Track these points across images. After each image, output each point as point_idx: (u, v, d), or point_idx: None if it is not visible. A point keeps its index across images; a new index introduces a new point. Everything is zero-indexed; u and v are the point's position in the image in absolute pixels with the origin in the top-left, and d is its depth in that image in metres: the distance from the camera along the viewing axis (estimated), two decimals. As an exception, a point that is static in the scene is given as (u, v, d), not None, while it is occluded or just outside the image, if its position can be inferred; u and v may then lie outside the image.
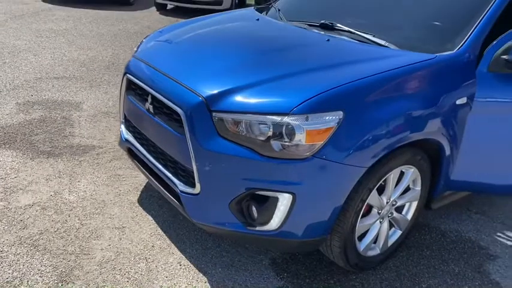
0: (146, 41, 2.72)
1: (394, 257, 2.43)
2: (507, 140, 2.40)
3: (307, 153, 1.81)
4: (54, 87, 4.36)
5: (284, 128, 1.81)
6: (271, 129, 1.82)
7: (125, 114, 2.54)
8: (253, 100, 1.90)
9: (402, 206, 2.35)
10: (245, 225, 1.97)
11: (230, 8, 8.99)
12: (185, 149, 1.95)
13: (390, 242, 2.35)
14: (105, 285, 2.03)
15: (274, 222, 1.93)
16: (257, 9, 3.15)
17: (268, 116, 1.83)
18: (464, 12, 2.39)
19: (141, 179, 2.90)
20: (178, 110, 1.95)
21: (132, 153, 2.51)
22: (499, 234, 2.77)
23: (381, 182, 2.06)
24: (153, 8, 9.43)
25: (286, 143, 1.81)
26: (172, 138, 2.04)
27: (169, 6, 9.57)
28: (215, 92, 1.92)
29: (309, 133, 1.80)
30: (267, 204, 1.91)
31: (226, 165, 1.90)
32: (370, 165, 1.91)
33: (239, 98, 1.91)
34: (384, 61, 2.10)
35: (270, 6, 3.19)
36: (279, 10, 2.96)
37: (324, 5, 2.93)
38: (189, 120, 1.92)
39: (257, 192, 1.90)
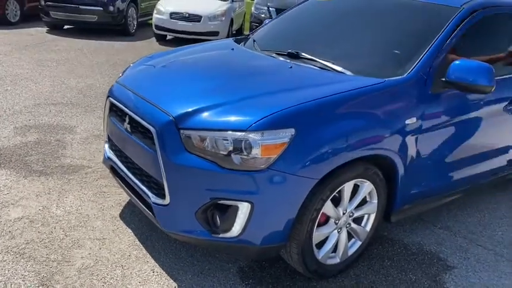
0: (132, 66, 3.00)
1: (355, 266, 2.60)
2: (451, 148, 2.71)
3: (263, 166, 2.03)
4: (51, 112, 4.64)
5: (243, 143, 2.03)
6: (232, 145, 2.04)
7: (108, 135, 2.78)
8: (217, 119, 2.13)
9: (361, 218, 2.54)
10: (210, 233, 2.17)
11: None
12: (156, 163, 2.17)
13: (350, 252, 2.53)
14: (81, 289, 2.22)
15: (236, 230, 2.12)
16: (235, 40, 3.44)
17: (229, 133, 2.06)
18: (413, 42, 2.66)
19: (124, 195, 3.11)
20: (151, 128, 2.18)
21: (114, 170, 2.73)
22: (459, 247, 2.94)
23: (335, 193, 2.26)
24: (153, 39, 9.86)
25: (245, 157, 2.03)
26: (146, 154, 2.26)
27: (168, 37, 10.00)
28: (183, 111, 2.16)
29: (264, 147, 2.02)
30: (229, 213, 2.11)
31: (192, 177, 2.11)
32: (321, 177, 2.12)
33: (205, 117, 2.14)
34: (336, 85, 2.34)
35: (248, 37, 3.48)
36: (254, 41, 3.25)
37: (294, 37, 3.21)
38: (159, 137, 2.15)
39: (220, 202, 2.10)
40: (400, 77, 2.44)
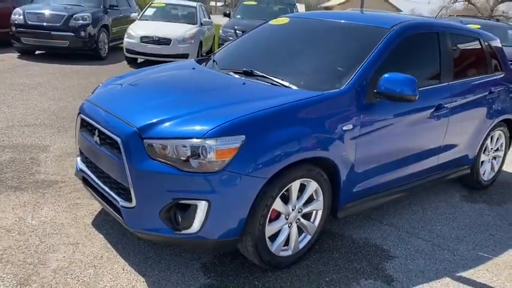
0: (101, 86, 3.29)
1: (306, 258, 2.90)
2: (387, 150, 3.10)
3: (218, 168, 2.33)
4: (25, 133, 4.84)
5: (200, 149, 2.34)
6: (190, 150, 2.35)
7: (79, 148, 3.04)
8: (176, 128, 2.43)
9: (310, 214, 2.86)
10: (173, 230, 2.45)
11: (195, 61, 9.72)
12: (123, 170, 2.45)
13: (301, 245, 2.84)
14: (57, 286, 2.44)
15: (195, 226, 2.41)
16: (197, 61, 3.77)
17: (187, 140, 2.36)
18: (350, 60, 3.07)
19: (96, 205, 3.35)
20: (117, 139, 2.47)
21: (85, 181, 2.98)
22: (401, 240, 3.29)
23: (283, 191, 2.58)
24: (125, 62, 10.12)
25: (202, 161, 2.34)
26: (114, 163, 2.54)
27: (139, 60, 10.28)
28: (146, 123, 2.46)
29: (218, 152, 2.33)
30: (189, 211, 2.40)
31: (156, 181, 2.40)
32: (269, 177, 2.43)
33: (165, 127, 2.44)
34: (282, 98, 2.69)
35: (210, 57, 3.83)
36: (214, 61, 3.59)
37: (249, 57, 3.59)
38: (125, 146, 2.43)
39: (181, 201, 2.39)
40: (338, 89, 2.81)
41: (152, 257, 2.80)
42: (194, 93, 2.88)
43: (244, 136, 2.37)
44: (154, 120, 2.48)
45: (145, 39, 9.47)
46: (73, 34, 9.41)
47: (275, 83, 2.96)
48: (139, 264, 2.71)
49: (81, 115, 2.91)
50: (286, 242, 2.76)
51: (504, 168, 5.02)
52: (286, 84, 2.93)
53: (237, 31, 9.65)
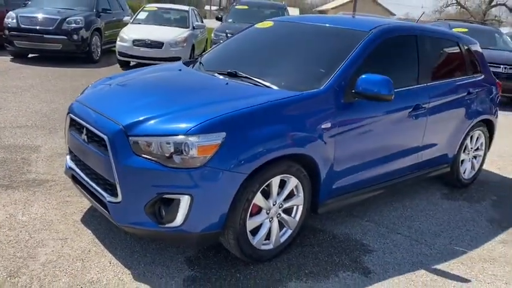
0: (91, 86, 3.40)
1: (288, 252, 3.01)
2: (366, 148, 3.22)
3: (200, 164, 2.45)
4: (17, 134, 4.92)
5: (183, 145, 2.45)
6: (173, 147, 2.46)
7: (69, 147, 3.14)
8: (160, 126, 2.54)
9: (291, 209, 2.97)
10: (157, 224, 2.55)
11: (187, 64, 9.84)
12: (109, 167, 2.56)
13: (282, 239, 2.95)
14: (45, 278, 2.54)
15: (179, 219, 2.51)
16: (185, 63, 3.89)
17: (171, 137, 2.47)
18: (329, 61, 3.20)
19: (85, 203, 3.44)
20: (104, 136, 2.58)
21: (74, 178, 3.08)
22: (380, 235, 3.41)
23: (264, 186, 2.69)
24: (117, 65, 10.23)
25: (185, 157, 2.45)
26: (101, 159, 2.64)
27: (132, 63, 10.39)
28: (132, 121, 2.57)
29: (200, 148, 2.45)
30: (172, 205, 2.50)
31: (140, 176, 2.50)
32: (250, 172, 2.55)
33: (150, 125, 2.55)
34: (263, 97, 2.81)
35: (197, 59, 3.95)
36: (200, 63, 3.71)
37: (234, 58, 3.71)
38: (111, 143, 2.54)
39: (165, 196, 2.50)
40: (316, 89, 2.94)
41: (138, 251, 2.90)
42: (179, 93, 3.00)
43: (224, 133, 2.49)
44: (140, 119, 2.58)
45: (137, 43, 9.58)
46: (66, 37, 9.51)
47: (257, 83, 3.08)
48: (125, 258, 2.81)
49: (70, 115, 3.01)
50: (268, 236, 2.87)
51: (486, 168, 5.18)
52: (268, 84, 3.05)
53: (228, 35, 9.77)
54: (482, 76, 4.44)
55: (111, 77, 3.53)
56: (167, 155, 2.46)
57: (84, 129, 2.79)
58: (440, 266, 3.06)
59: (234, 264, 2.84)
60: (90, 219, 3.23)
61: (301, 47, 3.51)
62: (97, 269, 2.68)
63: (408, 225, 3.62)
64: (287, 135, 2.70)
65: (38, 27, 9.38)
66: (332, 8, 52.57)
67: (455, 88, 4.01)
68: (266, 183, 2.70)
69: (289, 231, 2.98)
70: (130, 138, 2.52)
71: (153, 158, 2.48)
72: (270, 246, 2.88)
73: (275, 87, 3.01)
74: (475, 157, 4.60)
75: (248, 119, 2.61)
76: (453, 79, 4.05)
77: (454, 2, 45.71)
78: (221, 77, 3.26)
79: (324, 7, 60.39)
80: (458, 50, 4.22)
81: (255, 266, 2.84)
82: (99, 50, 10.60)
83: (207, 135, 2.46)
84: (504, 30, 18.12)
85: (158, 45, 9.59)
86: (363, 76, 2.96)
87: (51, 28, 9.42)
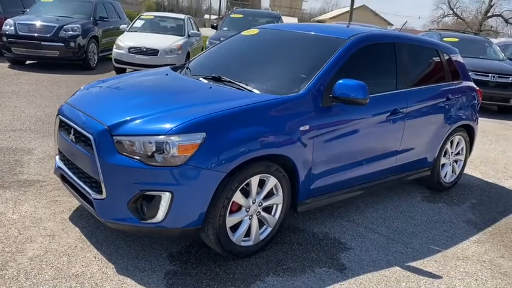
0: (82, 89, 3.55)
1: (267, 249, 3.13)
2: (344, 151, 3.35)
3: (180, 162, 2.58)
4: (11, 137, 5.05)
5: (164, 145, 2.58)
6: (155, 146, 2.59)
7: (58, 148, 3.27)
8: (143, 126, 2.68)
9: (271, 208, 3.10)
10: (139, 220, 2.67)
11: (182, 71, 10.00)
12: (94, 165, 2.69)
13: (262, 237, 3.07)
14: (32, 271, 2.66)
15: (160, 215, 2.64)
16: (172, 68, 4.04)
17: (152, 137, 2.61)
18: (309, 67, 3.34)
19: (74, 202, 3.56)
20: (89, 136, 2.71)
21: (63, 178, 3.20)
22: (359, 234, 3.53)
23: (243, 185, 2.82)
24: (113, 72, 10.37)
25: (166, 155, 2.58)
26: (87, 158, 2.77)
27: (128, 70, 10.54)
28: (115, 121, 2.70)
29: (181, 147, 2.58)
30: (154, 201, 2.63)
31: (124, 174, 2.63)
32: (229, 171, 2.68)
33: (133, 125, 2.69)
34: (243, 100, 2.95)
35: (185, 65, 4.10)
36: (187, 68, 3.86)
37: (220, 64, 3.87)
38: (96, 143, 2.67)
39: (147, 193, 2.63)
40: (295, 93, 3.08)
41: (123, 247, 3.02)
42: (163, 96, 3.14)
43: (205, 133, 2.62)
44: (124, 119, 2.72)
45: (133, 50, 9.74)
46: (63, 44, 9.67)
47: (239, 87, 3.22)
48: (110, 253, 2.93)
49: (59, 116, 3.15)
50: (248, 233, 2.99)
51: (470, 172, 5.32)
52: (249, 88, 3.19)
53: (223, 42, 9.95)
54: (462, 83, 4.59)
55: (103, 81, 3.68)
56: (149, 153, 2.59)
57: (72, 129, 2.93)
58: (414, 264, 3.18)
59: (214, 260, 2.95)
60: (79, 218, 3.35)
61: (284, 54, 3.66)
62: (82, 263, 2.80)
63: (387, 225, 3.74)
64: (265, 137, 2.83)
65: (35, 35, 9.55)
66: (330, 18, 53.11)
67: (433, 94, 4.15)
68: (245, 182, 2.82)
69: (269, 229, 3.10)
70: (114, 137, 2.65)
71: (136, 157, 2.61)
72: (250, 243, 3.00)
73: (256, 91, 3.15)
74: (455, 161, 4.74)
75: (228, 120, 2.74)
76: (431, 85, 4.20)
77: (451, 12, 46.30)
78: (205, 81, 3.40)
79: (322, 17, 60.96)
80: (438, 58, 4.38)
81: (235, 261, 2.96)
82: (95, 57, 10.77)
83: (188, 135, 2.60)
84: (501, 40, 18.32)
85: (153, 52, 9.76)
86: (340, 81, 3.10)
87: (48, 35, 9.59)
